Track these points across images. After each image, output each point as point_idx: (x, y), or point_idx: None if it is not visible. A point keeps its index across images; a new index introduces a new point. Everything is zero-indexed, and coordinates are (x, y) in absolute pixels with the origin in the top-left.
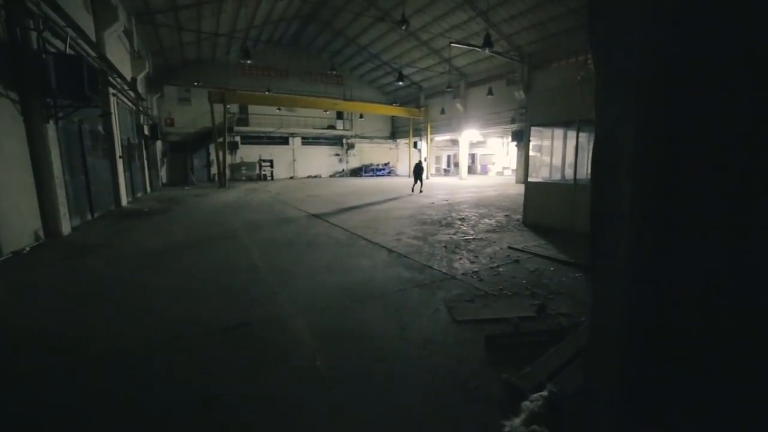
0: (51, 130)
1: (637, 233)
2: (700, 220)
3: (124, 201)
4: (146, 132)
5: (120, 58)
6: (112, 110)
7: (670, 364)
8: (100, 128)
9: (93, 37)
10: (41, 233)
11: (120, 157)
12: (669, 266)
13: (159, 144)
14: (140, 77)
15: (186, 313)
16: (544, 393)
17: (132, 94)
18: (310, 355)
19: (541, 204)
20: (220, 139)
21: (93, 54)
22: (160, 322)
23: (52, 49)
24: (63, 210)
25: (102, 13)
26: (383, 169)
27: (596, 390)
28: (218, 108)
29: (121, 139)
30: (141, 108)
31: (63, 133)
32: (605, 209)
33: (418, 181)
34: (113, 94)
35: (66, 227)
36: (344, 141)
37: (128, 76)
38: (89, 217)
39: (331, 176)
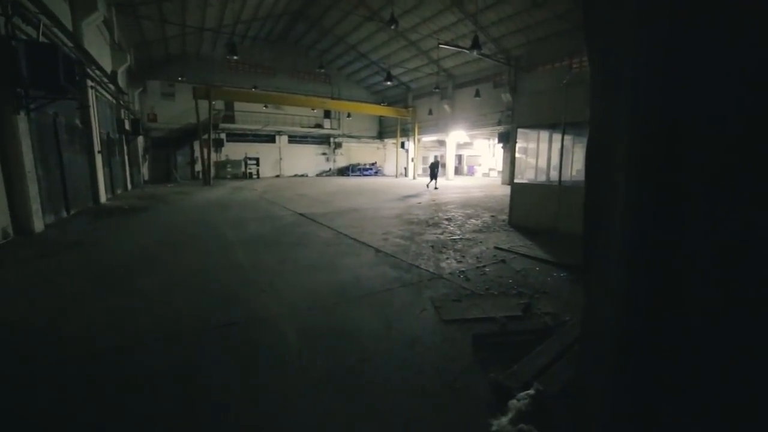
0: (22, 122)
1: (630, 232)
2: (696, 219)
3: (103, 198)
4: (127, 127)
5: (99, 50)
6: (91, 103)
7: (664, 363)
8: (78, 122)
9: (70, 26)
10: (10, 230)
11: (99, 152)
12: (663, 265)
13: (141, 139)
14: (121, 70)
15: (167, 314)
16: (531, 391)
17: (112, 87)
18: (296, 353)
19: (526, 205)
20: (205, 136)
21: (69, 44)
22: (138, 323)
23: (23, 37)
24: (35, 206)
25: (79, 1)
26: (370, 169)
27: (589, 389)
28: (203, 104)
29: (100, 134)
30: (122, 102)
31: (36, 125)
32: (599, 207)
33: (434, 179)
34: (92, 87)
35: (38, 224)
36: (331, 140)
37: (108, 69)
38: (64, 214)
39: (317, 175)
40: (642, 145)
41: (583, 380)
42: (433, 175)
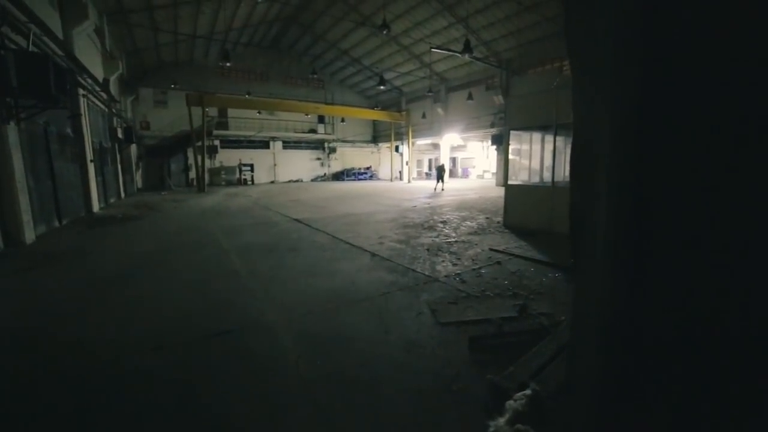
0: (12, 132)
1: (612, 233)
2: (676, 219)
3: (96, 207)
4: (120, 135)
5: (91, 58)
6: (83, 112)
7: (650, 362)
8: (69, 131)
9: (60, 35)
10: (0, 241)
11: (91, 161)
12: (646, 264)
13: (134, 148)
14: (113, 78)
15: (162, 324)
16: (527, 392)
17: (104, 95)
18: (293, 360)
19: (520, 206)
20: (199, 143)
21: (60, 52)
22: (132, 333)
23: (13, 46)
24: (26, 217)
25: (70, 10)
26: (365, 173)
27: (578, 387)
28: (196, 111)
29: (93, 143)
30: (114, 110)
31: (26, 135)
32: (584, 209)
33: (440, 181)
34: (83, 95)
35: (29, 235)
36: (326, 145)
37: (100, 77)
38: (56, 224)
39: (312, 180)
40: (622, 148)
41: (573, 377)
42: (440, 178)
